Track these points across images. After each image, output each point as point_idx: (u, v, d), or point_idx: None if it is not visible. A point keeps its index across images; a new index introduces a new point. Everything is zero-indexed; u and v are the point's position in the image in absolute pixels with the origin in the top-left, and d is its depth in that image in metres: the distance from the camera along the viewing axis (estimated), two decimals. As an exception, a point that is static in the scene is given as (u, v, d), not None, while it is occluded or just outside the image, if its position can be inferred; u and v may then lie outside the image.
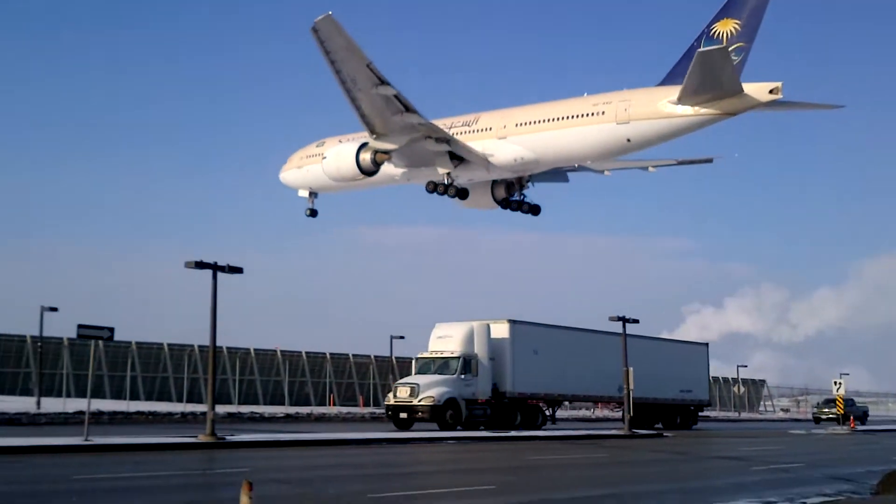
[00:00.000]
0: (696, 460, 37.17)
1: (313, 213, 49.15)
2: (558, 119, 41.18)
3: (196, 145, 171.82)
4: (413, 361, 53.66)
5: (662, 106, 38.44)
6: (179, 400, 70.02)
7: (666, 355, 64.44)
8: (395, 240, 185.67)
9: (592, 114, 40.00)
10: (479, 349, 51.86)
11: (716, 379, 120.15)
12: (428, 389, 49.07)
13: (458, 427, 49.08)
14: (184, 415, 57.36)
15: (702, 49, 35.75)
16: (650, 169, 47.46)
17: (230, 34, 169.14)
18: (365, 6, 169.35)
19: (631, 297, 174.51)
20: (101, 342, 34.66)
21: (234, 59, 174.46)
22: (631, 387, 52.94)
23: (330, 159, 44.73)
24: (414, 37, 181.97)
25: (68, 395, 61.13)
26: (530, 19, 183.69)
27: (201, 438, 35.11)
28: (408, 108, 40.93)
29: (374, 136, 42.69)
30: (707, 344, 74.77)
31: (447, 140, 42.79)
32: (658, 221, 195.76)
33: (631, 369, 52.82)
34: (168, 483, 22.92)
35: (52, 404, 56.92)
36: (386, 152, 43.41)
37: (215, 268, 36.48)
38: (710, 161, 47.75)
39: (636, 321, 54.43)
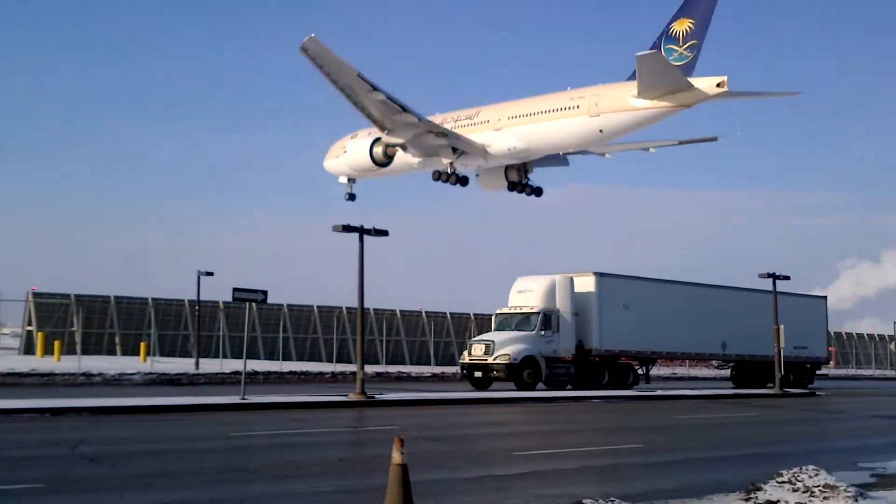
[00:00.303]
0: (851, 419, 36.24)
1: (351, 197, 52.64)
2: (542, 112, 44.86)
3: (342, 110, 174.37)
4: (493, 317, 51.50)
5: (627, 100, 41.45)
6: (329, 360, 71.67)
7: (780, 309, 56.62)
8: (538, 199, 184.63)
9: (569, 107, 43.55)
10: (562, 304, 49.01)
11: (871, 336, 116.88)
12: (504, 347, 46.71)
13: (541, 385, 47.58)
14: (334, 374, 58.71)
15: (638, 54, 38.89)
16: (651, 150, 49.55)
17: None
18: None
19: (782, 253, 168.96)
20: (254, 305, 35.88)
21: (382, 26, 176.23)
22: (782, 345, 51.72)
23: (349, 153, 49.64)
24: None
25: (224, 356, 63.36)
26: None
27: (352, 397, 36.06)
28: (404, 109, 44.76)
29: (385, 132, 47.00)
30: (825, 297, 68.87)
31: (445, 134, 46.75)
32: (809, 174, 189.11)
33: (782, 326, 51.60)
34: (321, 440, 23.67)
35: (209, 365, 59.10)
36: (395, 145, 47.84)
37: (362, 231, 37.27)
38: (714, 140, 49.47)
39: (787, 278, 53.05)
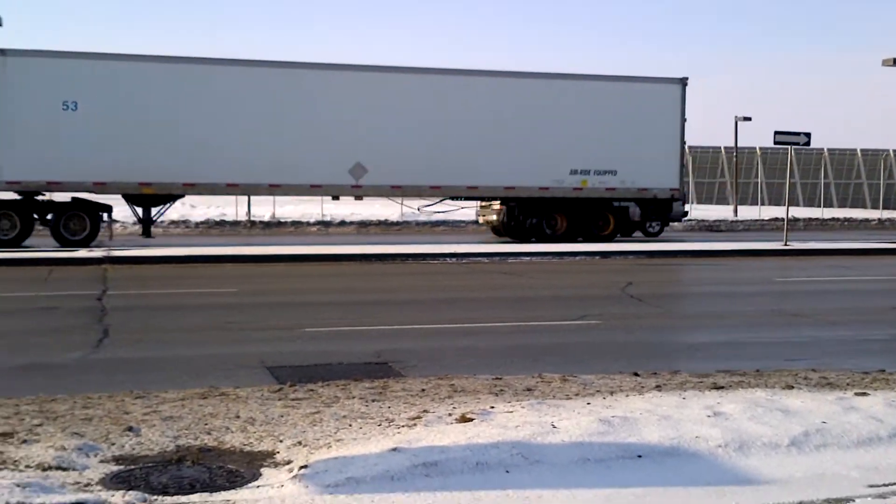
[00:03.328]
0: None
1: None
2: None
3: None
4: None
5: None
6: (874, 207, 68.26)
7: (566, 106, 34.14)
8: None
9: None
10: None
11: None
12: None
13: None
14: (880, 221, 55.97)
15: None
16: None
17: None
18: None
19: None
20: (792, 149, 34.97)
21: None
22: None
23: None
24: None
25: (762, 203, 62.86)
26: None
27: (901, 245, 34.40)
28: None
29: None
30: (683, 80, 35.49)
31: None
32: None
33: None
34: (869, 288, 22.89)
35: (747, 212, 59.14)
36: None
37: (920, 65, 34.55)
38: None
39: None
